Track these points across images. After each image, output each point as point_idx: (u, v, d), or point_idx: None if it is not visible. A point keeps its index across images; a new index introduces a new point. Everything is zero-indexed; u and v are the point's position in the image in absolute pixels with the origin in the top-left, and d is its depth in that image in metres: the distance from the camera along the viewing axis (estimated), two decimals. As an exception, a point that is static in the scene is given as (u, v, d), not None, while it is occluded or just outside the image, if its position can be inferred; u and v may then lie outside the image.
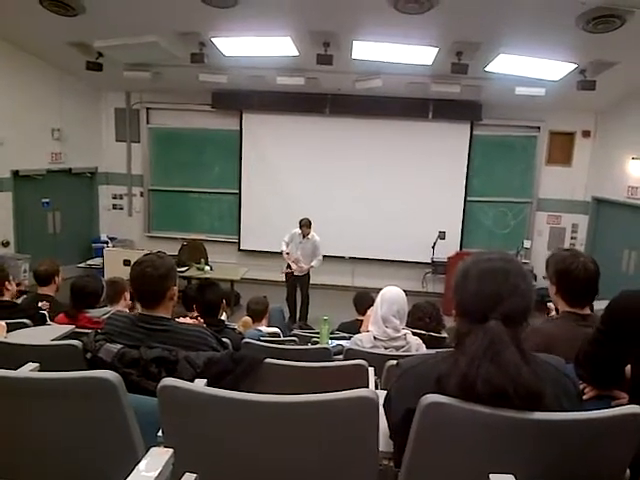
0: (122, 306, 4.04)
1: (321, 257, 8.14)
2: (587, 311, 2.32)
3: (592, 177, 9.48)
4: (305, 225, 7.94)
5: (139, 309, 2.35)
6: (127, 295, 4.07)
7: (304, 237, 8.03)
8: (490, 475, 1.12)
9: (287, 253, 8.14)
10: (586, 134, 9.52)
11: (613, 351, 1.76)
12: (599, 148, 9.33)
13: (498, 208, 9.99)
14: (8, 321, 2.97)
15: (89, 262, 9.22)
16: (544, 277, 2.43)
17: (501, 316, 1.34)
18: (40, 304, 3.93)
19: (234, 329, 4.22)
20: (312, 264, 8.09)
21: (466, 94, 8.29)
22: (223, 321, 3.90)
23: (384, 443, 1.50)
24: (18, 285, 4.24)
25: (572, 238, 9.84)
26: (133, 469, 1.05)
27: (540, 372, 1.32)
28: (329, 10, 6.12)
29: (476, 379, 1.26)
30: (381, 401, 1.43)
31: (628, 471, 1.39)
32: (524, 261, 9.40)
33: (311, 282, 8.29)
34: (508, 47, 6.56)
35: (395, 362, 2.28)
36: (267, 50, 7.20)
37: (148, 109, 10.40)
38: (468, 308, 1.43)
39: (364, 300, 5.24)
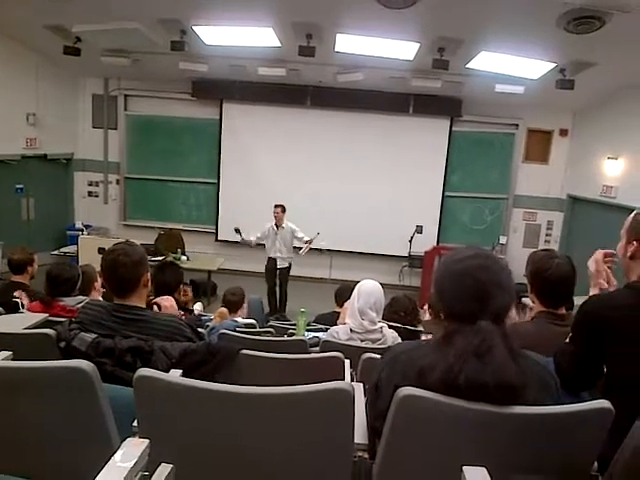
0: (96, 295, 3.99)
1: (305, 235, 8.03)
2: (562, 311, 2.34)
3: (568, 175, 9.62)
4: (280, 208, 7.88)
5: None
6: (97, 285, 4.02)
7: (278, 227, 7.93)
8: (463, 467, 1.13)
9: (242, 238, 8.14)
10: (563, 133, 9.65)
11: (586, 361, 1.78)
12: (576, 147, 9.46)
13: (475, 204, 10.09)
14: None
15: (63, 250, 9.07)
16: (524, 274, 2.45)
17: (490, 316, 1.34)
18: (16, 293, 3.87)
19: (192, 311, 4.20)
20: (310, 239, 7.95)
21: (447, 90, 8.35)
22: (177, 301, 3.86)
23: (359, 435, 1.51)
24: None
25: (547, 235, 9.99)
26: (109, 460, 1.04)
27: (526, 368, 1.33)
28: (312, 2, 6.10)
29: (459, 373, 1.26)
30: (357, 393, 1.43)
31: (596, 463, 1.43)
32: (500, 256, 9.49)
33: (290, 274, 8.28)
34: (490, 45, 6.61)
35: (369, 355, 2.29)
36: (249, 40, 7.15)
37: (126, 96, 10.26)
38: (455, 311, 1.41)
39: (346, 293, 5.25)
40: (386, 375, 1.49)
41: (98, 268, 4.06)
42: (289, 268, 8.23)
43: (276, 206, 7.93)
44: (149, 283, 2.34)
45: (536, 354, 1.52)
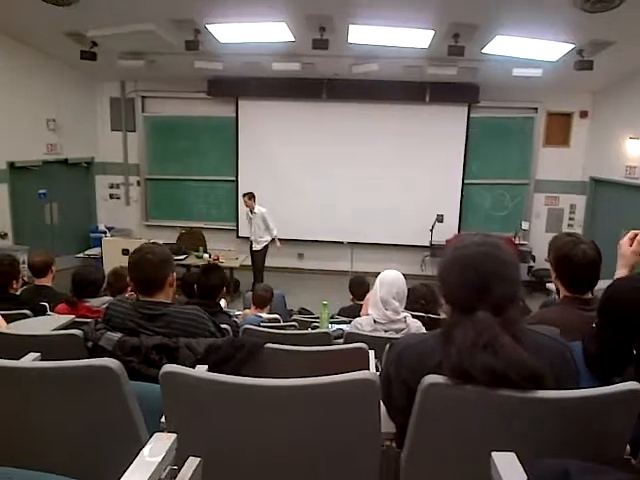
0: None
1: (275, 229, 8.73)
2: (588, 295, 2.29)
3: (590, 157, 9.46)
4: (247, 196, 8.64)
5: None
6: (129, 289, 4.07)
7: (251, 212, 8.70)
8: (492, 453, 1.12)
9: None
10: (584, 114, 9.49)
11: (614, 346, 1.75)
12: (597, 128, 9.30)
13: (496, 190, 9.98)
14: (10, 312, 2.99)
15: (87, 252, 9.20)
16: (546, 260, 2.39)
17: (489, 306, 1.32)
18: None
19: (230, 315, 4.23)
20: (274, 235, 8.75)
21: (463, 76, 8.25)
22: (219, 304, 3.90)
23: (386, 424, 1.51)
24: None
25: (570, 219, 9.85)
26: (137, 454, 1.05)
27: (539, 352, 1.32)
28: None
29: (470, 369, 1.25)
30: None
31: (628, 447, 1.40)
32: (522, 242, 9.42)
33: (311, 267, 8.30)
34: (505, 28, 6.51)
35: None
36: (262, 36, 7.14)
37: (143, 98, 10.34)
38: (454, 299, 1.41)
39: (360, 285, 5.27)
40: (394, 371, 1.49)
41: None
42: (263, 251, 8.76)
43: (243, 195, 8.79)
44: (174, 283, 2.38)
45: (542, 327, 1.50)
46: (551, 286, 2.66)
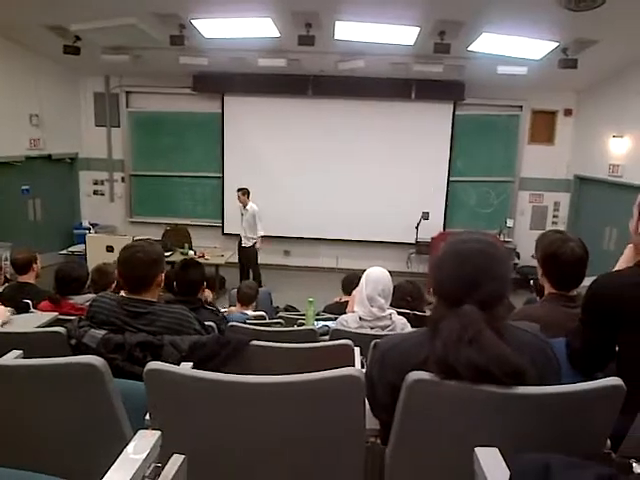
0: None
1: (261, 230, 8.63)
2: (573, 293, 2.29)
3: (574, 155, 9.55)
4: (241, 192, 8.58)
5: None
6: (113, 286, 4.04)
7: (244, 207, 8.65)
8: (475, 448, 1.13)
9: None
10: (568, 112, 9.57)
11: (598, 342, 1.76)
12: (581, 126, 9.39)
13: (481, 188, 10.03)
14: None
15: (71, 249, 9.10)
16: (532, 256, 2.40)
17: (477, 302, 1.34)
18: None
19: (212, 310, 4.21)
20: (259, 234, 8.65)
21: (449, 74, 8.28)
22: (200, 299, 3.86)
23: (371, 421, 1.51)
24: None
25: (554, 217, 9.93)
26: (121, 452, 1.05)
27: (520, 348, 1.33)
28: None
29: (455, 363, 1.26)
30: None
31: (609, 441, 1.42)
32: (507, 240, 9.49)
33: (297, 264, 8.28)
34: (491, 26, 6.54)
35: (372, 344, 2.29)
36: (248, 31, 7.11)
37: (128, 93, 10.26)
38: (444, 291, 1.43)
39: (353, 282, 5.25)
40: (377, 372, 1.51)
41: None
42: (252, 248, 8.67)
43: (237, 190, 8.65)
44: (162, 283, 2.36)
45: (523, 323, 1.52)
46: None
